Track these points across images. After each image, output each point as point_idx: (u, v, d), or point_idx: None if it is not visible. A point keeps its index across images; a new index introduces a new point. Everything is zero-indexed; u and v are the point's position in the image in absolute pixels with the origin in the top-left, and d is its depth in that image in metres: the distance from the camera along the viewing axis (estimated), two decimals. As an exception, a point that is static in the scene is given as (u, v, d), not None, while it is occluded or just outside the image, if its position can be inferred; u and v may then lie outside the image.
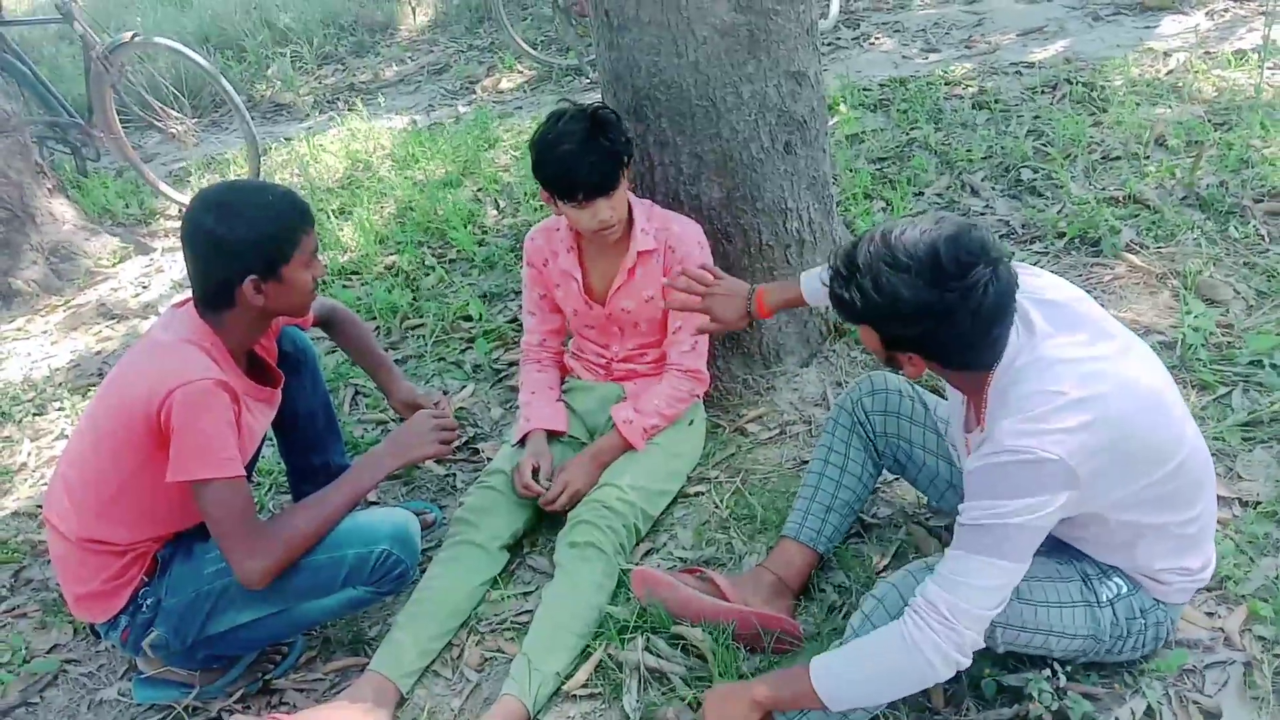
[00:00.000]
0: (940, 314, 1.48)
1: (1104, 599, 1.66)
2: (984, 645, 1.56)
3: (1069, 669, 1.74)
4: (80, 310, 4.01)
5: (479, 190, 4.32)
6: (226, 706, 2.08)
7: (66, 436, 3.20)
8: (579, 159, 2.15)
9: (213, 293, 1.88)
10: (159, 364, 1.84)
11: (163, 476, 1.78)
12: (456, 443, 2.41)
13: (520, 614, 2.19)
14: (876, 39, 5.49)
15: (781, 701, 1.68)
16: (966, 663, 1.53)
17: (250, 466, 2.17)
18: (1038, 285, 1.63)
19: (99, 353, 3.69)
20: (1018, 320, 1.56)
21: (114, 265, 4.35)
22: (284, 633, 2.07)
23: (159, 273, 4.26)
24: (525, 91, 5.85)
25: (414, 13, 7.36)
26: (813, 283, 2.06)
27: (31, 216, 4.20)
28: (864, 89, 4.63)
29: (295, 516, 1.93)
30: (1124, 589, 1.68)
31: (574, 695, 1.96)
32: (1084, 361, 1.52)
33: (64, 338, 3.86)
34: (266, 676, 2.13)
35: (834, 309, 1.64)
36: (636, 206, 2.40)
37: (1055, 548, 1.74)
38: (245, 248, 1.83)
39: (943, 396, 2.14)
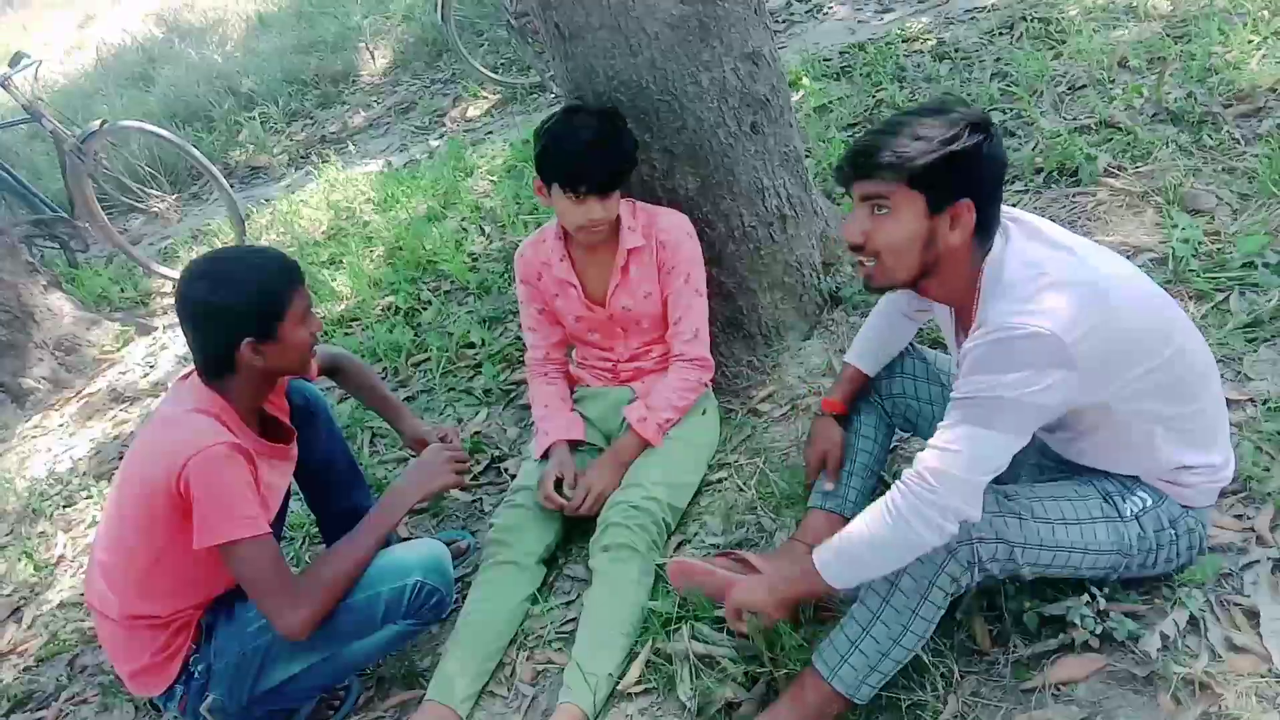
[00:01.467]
0: (982, 128, 1.56)
1: (1128, 514, 1.68)
2: (985, 532, 1.59)
3: (1107, 591, 1.76)
4: (92, 399, 4.07)
5: (463, 220, 4.36)
6: (293, 760, 2.12)
7: (97, 522, 3.24)
8: (592, 153, 2.21)
9: (213, 361, 1.92)
10: (172, 437, 1.87)
11: (191, 545, 1.82)
12: (473, 470, 2.45)
13: (565, 624, 2.22)
14: (830, 8, 5.50)
15: (797, 587, 1.76)
16: (953, 529, 1.55)
17: (280, 522, 2.21)
18: (1016, 213, 1.69)
19: (117, 437, 3.74)
20: (1000, 230, 1.63)
21: (119, 350, 4.41)
22: (335, 678, 2.10)
23: (163, 350, 4.31)
24: (493, 116, 5.89)
25: (373, 57, 7.42)
26: (864, 358, 2.13)
27: (31, 315, 4.26)
28: (824, 59, 4.65)
29: (326, 564, 1.97)
30: (1149, 501, 1.70)
31: (629, 694, 1.99)
32: (1066, 252, 1.58)
33: (81, 428, 3.92)
34: (329, 722, 2.17)
35: (883, 172, 1.58)
36: (620, 205, 2.43)
37: (1076, 472, 1.77)
38: (238, 312, 1.87)
39: (943, 349, 2.17)
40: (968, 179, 1.57)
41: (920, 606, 1.63)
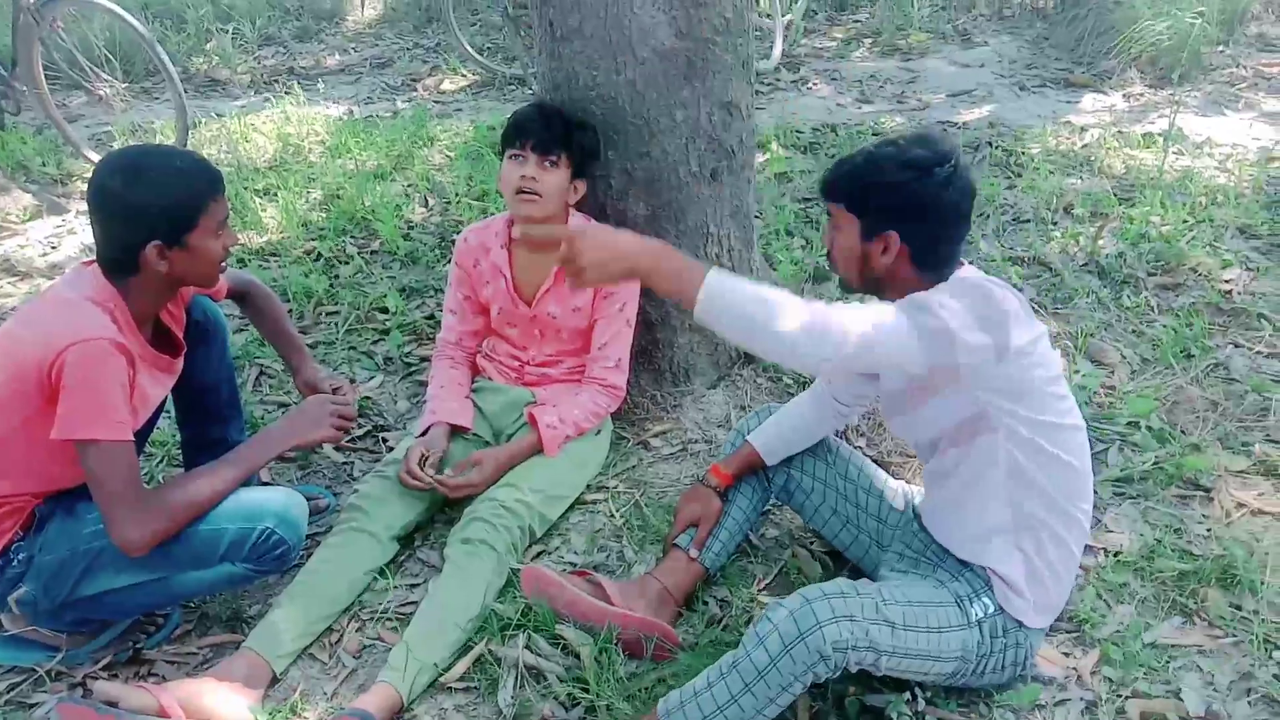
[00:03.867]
0: (923, 166, 1.65)
1: (974, 618, 1.74)
2: (860, 640, 1.60)
3: (929, 694, 1.82)
4: (-19, 263, 3.89)
5: (409, 186, 4.31)
6: (92, 673, 2.02)
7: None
8: (540, 111, 2.38)
9: (117, 257, 1.86)
10: (58, 318, 1.80)
11: (48, 432, 1.75)
12: (353, 430, 2.41)
13: (404, 605, 2.19)
14: (814, 85, 5.64)
15: (658, 275, 1.55)
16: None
17: (145, 435, 2.14)
18: None
19: (-5, 308, 3.58)
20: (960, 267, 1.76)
21: (23, 222, 4.22)
22: (159, 602, 2.03)
23: (70, 234, 4.14)
24: (467, 95, 5.86)
25: (363, 4, 7.32)
26: (767, 442, 2.15)
27: (-61, 162, 4.06)
28: (796, 131, 4.76)
29: (180, 487, 1.90)
30: (990, 608, 1.76)
31: (450, 687, 1.97)
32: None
33: (-41, 289, 3.73)
34: (138, 646, 2.08)
35: (822, 192, 1.80)
36: (574, 218, 2.46)
37: (930, 565, 1.84)
38: (150, 213, 1.81)
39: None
40: (894, 212, 1.69)
41: (778, 696, 1.63)
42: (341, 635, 2.12)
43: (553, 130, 2.33)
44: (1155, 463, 2.46)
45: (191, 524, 1.89)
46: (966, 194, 1.70)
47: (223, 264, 1.97)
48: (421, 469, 2.31)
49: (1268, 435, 2.58)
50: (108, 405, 1.76)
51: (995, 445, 1.71)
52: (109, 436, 1.76)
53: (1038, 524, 1.75)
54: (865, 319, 1.54)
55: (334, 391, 2.26)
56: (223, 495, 1.93)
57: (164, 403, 2.15)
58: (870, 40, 6.30)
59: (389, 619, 2.15)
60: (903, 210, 1.68)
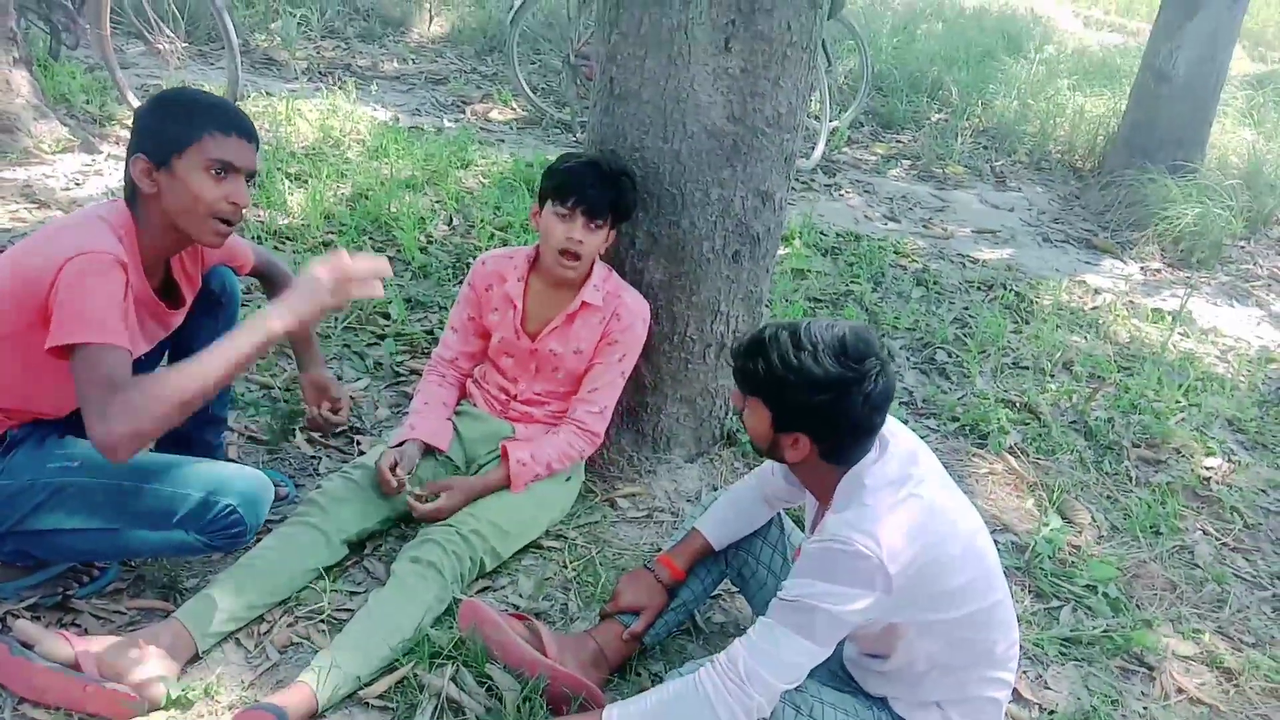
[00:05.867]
0: (840, 388, 1.60)
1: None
2: None
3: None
4: (3, 183, 3.89)
5: (438, 202, 4.36)
6: (14, 610, 2.00)
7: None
8: (592, 172, 2.36)
9: (126, 173, 1.86)
10: (68, 235, 1.76)
11: (36, 352, 1.69)
12: (340, 424, 2.40)
13: (341, 610, 2.17)
14: (847, 192, 5.75)
15: None
16: None
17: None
18: (896, 427, 1.77)
19: (6, 230, 3.58)
20: (879, 443, 1.70)
21: (53, 153, 4.24)
22: (102, 553, 2.00)
23: (97, 175, 4.16)
24: (512, 128, 5.95)
25: (430, 20, 7.46)
26: (716, 529, 2.15)
27: (-14, 78, 4.09)
28: (821, 232, 4.84)
29: (167, 378, 1.69)
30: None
31: (367, 703, 1.94)
32: (928, 488, 1.65)
33: (-24, 205, 3.74)
34: (69, 593, 2.05)
35: (736, 379, 1.74)
36: (598, 265, 2.49)
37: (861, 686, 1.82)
38: (146, 124, 1.83)
39: (801, 528, 2.23)
40: (807, 421, 1.66)
41: None
42: (272, 627, 2.09)
43: (604, 195, 2.34)
44: (1105, 630, 2.47)
45: (157, 477, 1.87)
46: (883, 402, 1.65)
47: (221, 220, 1.88)
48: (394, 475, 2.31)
49: (1219, 627, 2.59)
50: (105, 314, 1.68)
51: (912, 645, 1.70)
52: (98, 339, 1.66)
53: (962, 698, 1.74)
54: (752, 649, 1.61)
55: (334, 403, 2.26)
56: (211, 389, 1.72)
57: (155, 361, 2.14)
58: (909, 162, 6.43)
59: (322, 621, 2.13)
60: (816, 421, 1.65)
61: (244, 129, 1.88)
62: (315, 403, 2.37)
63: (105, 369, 1.65)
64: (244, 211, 1.92)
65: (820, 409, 1.63)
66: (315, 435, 2.74)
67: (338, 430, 2.67)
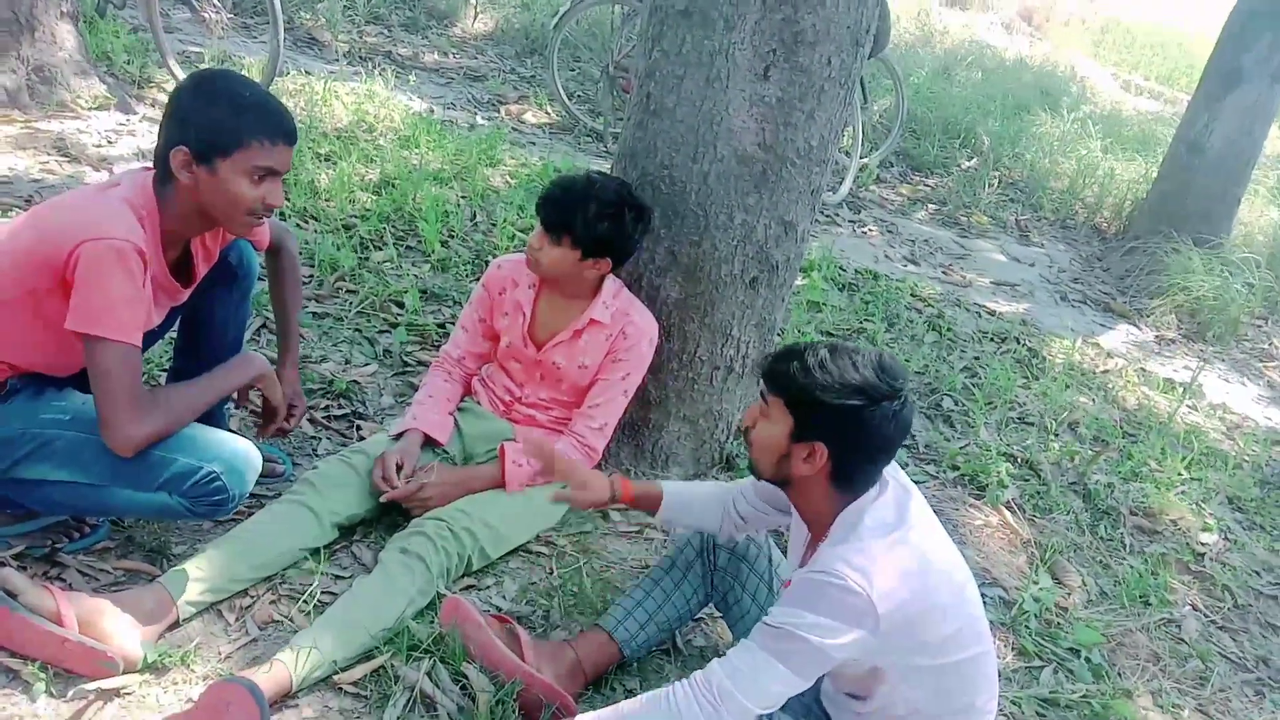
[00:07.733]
0: (873, 396, 1.61)
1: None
2: None
3: None
4: (37, 134, 3.92)
5: (464, 197, 4.37)
6: (1, 558, 2.00)
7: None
8: (559, 189, 2.37)
9: (161, 156, 1.87)
10: (88, 208, 1.81)
11: (43, 312, 1.75)
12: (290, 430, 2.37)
13: (325, 592, 2.16)
14: (869, 230, 5.76)
15: None
16: None
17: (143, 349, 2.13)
18: (895, 470, 1.77)
19: (35, 181, 3.60)
20: (880, 484, 1.70)
21: (89, 109, 4.27)
22: (87, 508, 2.01)
23: (129, 135, 4.19)
24: (545, 132, 5.97)
25: (475, 17, 7.50)
26: (674, 499, 2.13)
27: (32, 29, 4.11)
28: (840, 267, 4.84)
29: (178, 393, 1.92)
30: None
31: (341, 688, 1.94)
32: (921, 534, 1.65)
33: (9, 151, 3.76)
34: (57, 546, 2.05)
35: (764, 381, 1.73)
36: (609, 281, 2.50)
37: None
38: (193, 119, 1.83)
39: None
40: (832, 429, 1.65)
41: None
42: (254, 602, 2.09)
43: (561, 214, 2.34)
44: (1084, 695, 2.46)
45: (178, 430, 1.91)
46: (904, 430, 1.66)
47: (254, 216, 1.94)
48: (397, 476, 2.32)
49: (1200, 705, 2.57)
50: (126, 309, 1.77)
51: (894, 690, 1.69)
52: (117, 336, 1.77)
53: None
54: (730, 670, 1.60)
55: (289, 409, 2.28)
56: (209, 406, 1.99)
57: (166, 328, 2.15)
58: (935, 206, 6.44)
59: (305, 601, 2.13)
60: (841, 430, 1.65)
61: (289, 134, 1.91)
62: (274, 398, 2.25)
63: (119, 367, 1.78)
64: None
65: (849, 415, 1.62)
66: (254, 420, 2.63)
67: (280, 431, 2.38)
